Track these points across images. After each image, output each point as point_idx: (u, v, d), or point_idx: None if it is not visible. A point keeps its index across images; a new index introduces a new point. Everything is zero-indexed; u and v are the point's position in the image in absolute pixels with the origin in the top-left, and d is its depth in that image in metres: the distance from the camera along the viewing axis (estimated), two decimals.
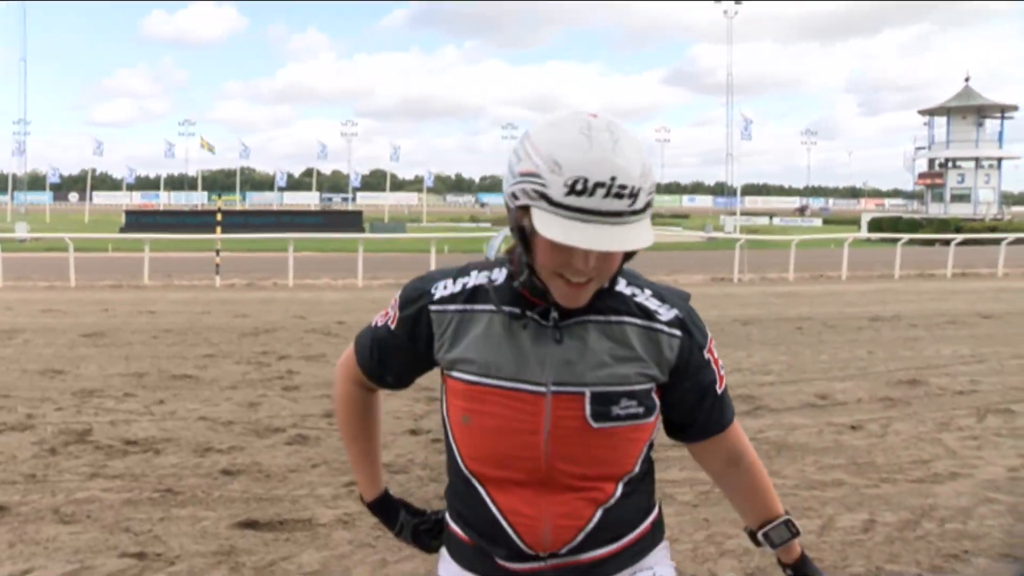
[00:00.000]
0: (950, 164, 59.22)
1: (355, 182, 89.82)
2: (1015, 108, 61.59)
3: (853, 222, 58.97)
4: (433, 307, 1.72)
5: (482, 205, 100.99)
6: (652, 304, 1.69)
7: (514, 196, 1.54)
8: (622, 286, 1.69)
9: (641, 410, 1.65)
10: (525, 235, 1.55)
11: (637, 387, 1.65)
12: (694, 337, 1.70)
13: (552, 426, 1.62)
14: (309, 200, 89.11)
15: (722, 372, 1.77)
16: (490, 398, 1.65)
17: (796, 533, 1.84)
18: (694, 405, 1.74)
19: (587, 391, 1.62)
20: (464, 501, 1.76)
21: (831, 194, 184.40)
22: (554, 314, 1.63)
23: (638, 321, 1.66)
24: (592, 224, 1.46)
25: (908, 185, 65.31)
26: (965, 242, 25.69)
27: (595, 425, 1.62)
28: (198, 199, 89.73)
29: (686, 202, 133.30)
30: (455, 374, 1.69)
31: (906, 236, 26.31)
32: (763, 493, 1.85)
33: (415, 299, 1.75)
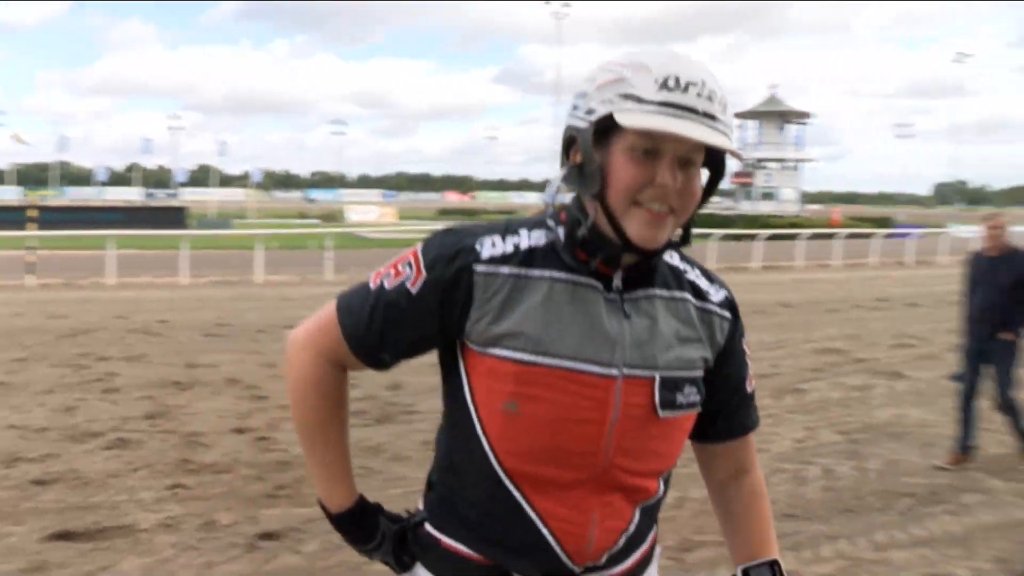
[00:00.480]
0: (758, 164, 62.86)
1: (180, 177, 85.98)
2: (811, 115, 66.41)
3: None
4: (480, 268, 1.39)
5: (311, 201, 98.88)
6: (703, 283, 1.53)
7: (589, 111, 1.35)
8: (676, 260, 1.53)
9: (699, 398, 1.48)
10: (592, 171, 1.35)
11: (696, 372, 1.47)
12: (739, 322, 1.56)
13: (620, 415, 1.39)
14: (132, 196, 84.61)
15: (751, 373, 1.62)
16: (548, 381, 1.37)
17: None
18: (727, 398, 1.56)
19: (656, 376, 1.41)
20: (484, 509, 1.45)
21: None
22: (617, 283, 1.42)
23: (693, 300, 1.50)
24: (686, 120, 1.29)
25: (724, 184, 68.80)
26: (772, 237, 27.34)
27: (662, 415, 1.42)
28: (14, 194, 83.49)
29: (514, 199, 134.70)
30: (498, 352, 1.38)
31: (720, 232, 27.66)
32: (759, 522, 1.63)
33: (452, 256, 1.40)
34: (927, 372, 9.82)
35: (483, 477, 1.43)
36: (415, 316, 1.42)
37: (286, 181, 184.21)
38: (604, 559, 1.46)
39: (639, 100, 1.30)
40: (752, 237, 26.83)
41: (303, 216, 53.98)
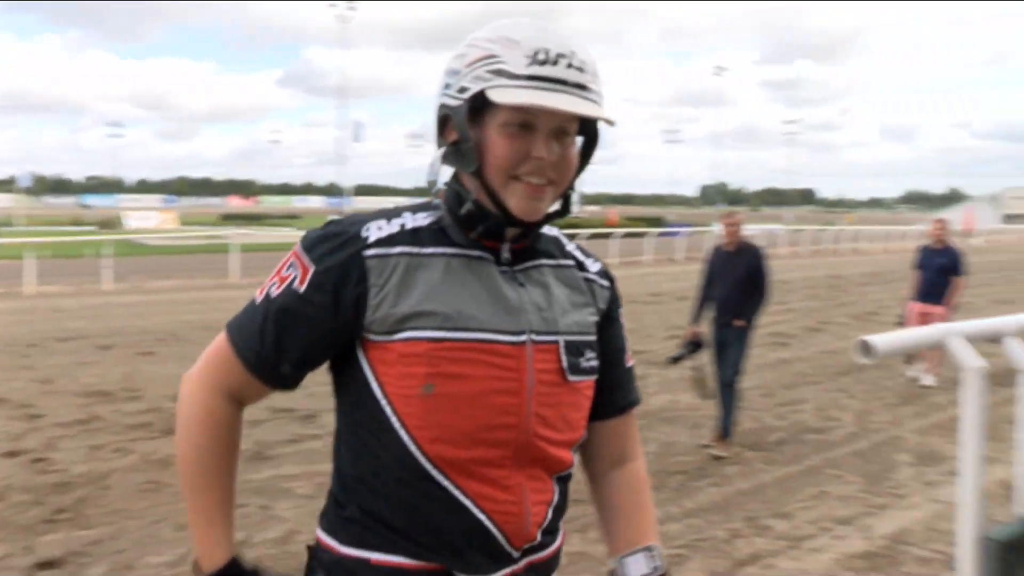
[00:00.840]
0: None
1: None
2: None
3: None
4: (370, 252, 1.34)
5: (86, 207, 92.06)
6: (580, 255, 1.55)
7: (462, 90, 1.34)
8: (554, 231, 1.54)
9: (596, 364, 1.48)
10: (468, 149, 1.33)
11: (591, 336, 1.48)
12: (616, 293, 1.58)
13: (535, 382, 1.37)
14: None
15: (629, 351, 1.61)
16: (463, 356, 1.32)
17: (657, 568, 1.52)
18: (611, 369, 1.53)
19: (560, 340, 1.41)
20: (413, 509, 1.36)
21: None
22: (506, 255, 1.42)
23: (575, 267, 1.52)
24: (558, 92, 1.30)
25: None
26: None
27: (571, 379, 1.42)
28: None
29: (297, 203, 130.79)
30: (406, 334, 1.32)
31: None
32: (641, 512, 1.56)
33: (339, 246, 1.35)
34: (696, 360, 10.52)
35: (407, 474, 1.34)
36: (310, 315, 1.34)
37: (59, 186, 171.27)
38: (539, 537, 1.42)
39: (511, 76, 1.29)
40: None
41: (78, 223, 50.18)
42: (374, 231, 1.36)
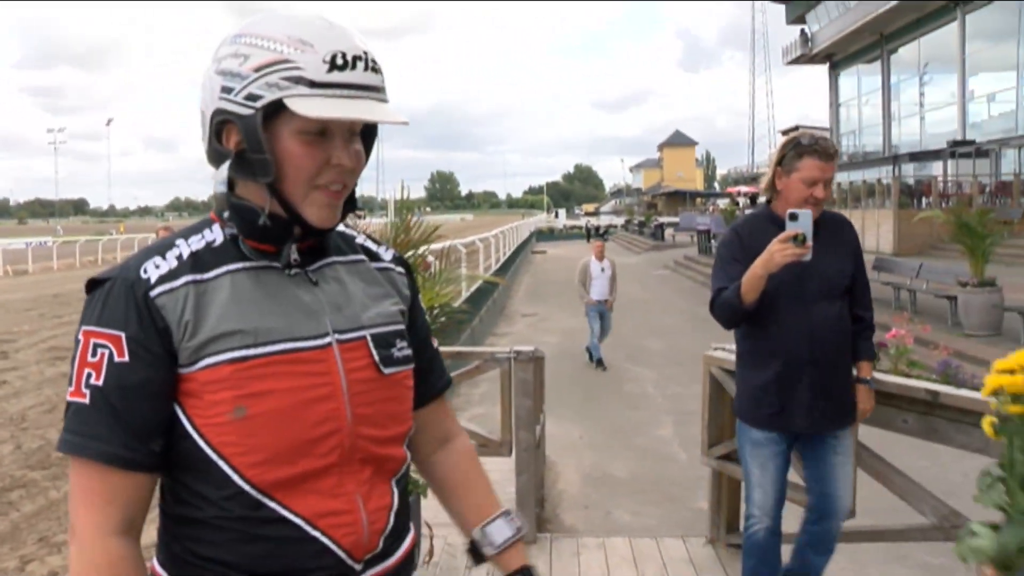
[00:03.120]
0: None
1: None
2: None
3: None
4: (155, 292, 1.17)
5: None
6: (371, 246, 1.42)
7: (251, 97, 1.16)
8: (341, 227, 1.38)
9: (410, 352, 1.36)
10: (262, 160, 1.17)
11: (400, 326, 1.35)
12: (412, 276, 1.48)
13: (347, 376, 1.24)
14: None
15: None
16: (270, 371, 1.17)
17: (520, 529, 1.45)
18: (423, 352, 1.43)
19: (367, 334, 1.29)
20: (245, 540, 1.18)
21: None
22: (295, 256, 1.26)
23: (367, 259, 1.39)
24: (357, 100, 1.18)
25: None
26: None
27: (386, 371, 1.29)
28: None
29: None
30: (208, 360, 1.16)
31: None
32: (480, 480, 1.50)
33: (125, 301, 1.17)
34: None
35: (233, 505, 1.17)
36: (149, 378, 1.16)
37: None
38: (380, 545, 1.28)
39: (310, 84, 1.15)
40: None
41: None
42: (152, 270, 1.19)
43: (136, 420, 1.15)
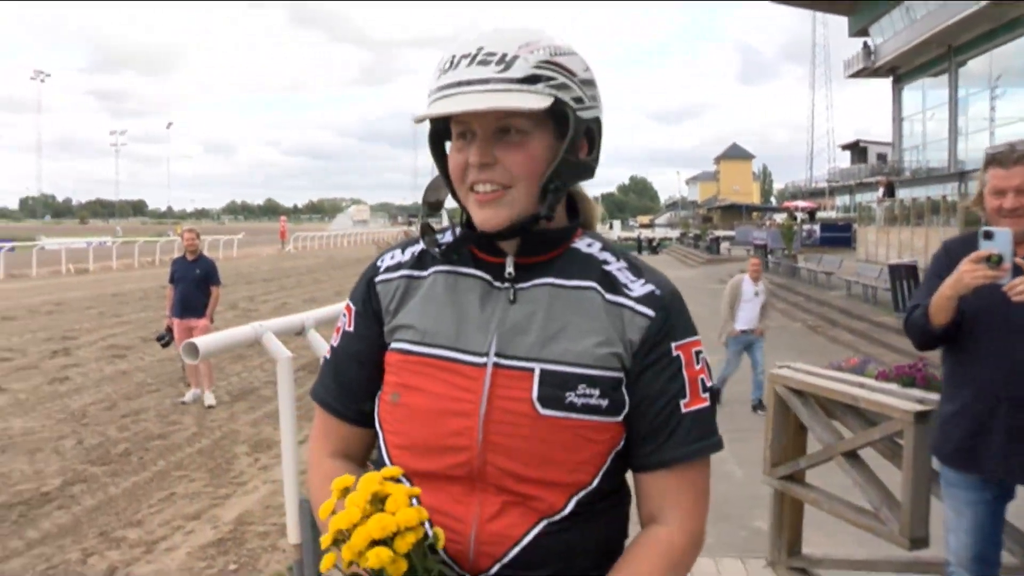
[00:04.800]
0: None
1: None
2: None
3: None
4: (379, 279, 1.35)
5: None
6: (624, 276, 1.29)
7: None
8: (595, 249, 1.31)
9: (604, 403, 1.22)
10: (440, 170, 1.30)
11: (599, 371, 1.22)
12: (669, 323, 1.27)
13: (490, 407, 1.21)
14: None
15: (703, 393, 1.27)
16: (425, 371, 1.25)
17: None
18: (648, 417, 1.25)
19: (537, 368, 1.21)
20: None
21: None
22: (509, 269, 1.27)
23: (602, 291, 1.26)
24: (456, 96, 1.19)
25: None
26: None
27: (543, 412, 1.20)
28: None
29: None
30: (392, 345, 1.30)
31: None
32: (629, 565, 1.25)
33: (363, 282, 1.37)
34: (26, 383, 9.66)
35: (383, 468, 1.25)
36: (358, 350, 1.35)
37: None
38: (495, 569, 1.22)
39: (429, 93, 1.24)
40: None
41: None
42: (386, 260, 1.37)
43: (347, 380, 1.36)
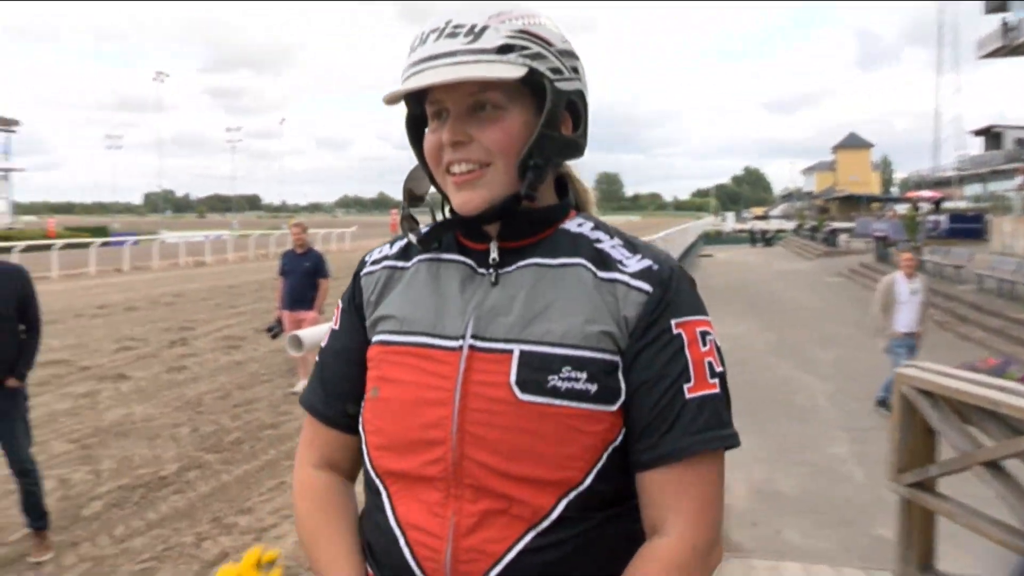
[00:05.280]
0: None
1: None
2: (17, 122, 61.37)
3: None
4: (363, 272, 1.32)
5: None
6: (617, 253, 1.19)
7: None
8: (585, 228, 1.23)
9: (592, 387, 1.09)
10: (417, 155, 1.26)
11: (587, 352, 1.10)
12: (669, 298, 1.14)
13: (465, 394, 1.11)
14: None
15: (711, 378, 1.13)
16: (402, 360, 1.18)
17: None
18: (641, 400, 1.12)
19: (516, 349, 1.11)
20: (369, 520, 1.22)
21: None
22: (493, 255, 1.20)
23: (593, 268, 1.17)
24: (425, 72, 1.13)
25: None
26: None
27: (522, 396, 1.09)
28: None
29: None
30: (374, 338, 1.24)
31: None
32: None
33: (351, 279, 1.33)
34: (147, 371, 10.12)
35: (368, 482, 1.22)
36: (343, 348, 1.29)
37: None
38: None
39: (402, 73, 1.19)
40: None
41: None
42: (373, 254, 1.34)
43: (332, 381, 1.29)
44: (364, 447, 1.22)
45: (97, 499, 5.68)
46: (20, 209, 73.50)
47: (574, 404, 1.09)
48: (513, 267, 1.19)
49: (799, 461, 7.23)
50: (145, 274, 25.68)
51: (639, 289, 1.14)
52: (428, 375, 1.14)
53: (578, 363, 1.10)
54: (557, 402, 1.09)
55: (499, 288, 1.18)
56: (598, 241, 1.21)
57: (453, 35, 1.13)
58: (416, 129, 1.26)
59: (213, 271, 26.97)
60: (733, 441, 1.14)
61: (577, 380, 1.09)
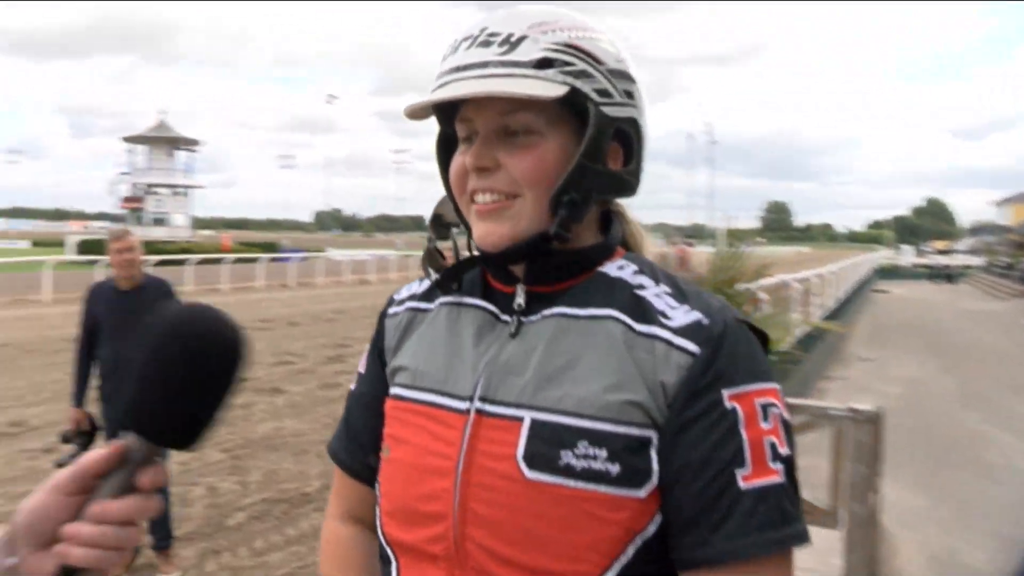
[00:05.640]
0: (149, 190, 60.71)
1: None
2: (199, 142, 66.32)
3: (61, 244, 56.19)
4: (389, 312, 1.20)
5: None
6: (661, 303, 1.00)
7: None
8: (626, 272, 1.05)
9: (613, 468, 0.93)
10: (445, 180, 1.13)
11: (609, 425, 0.94)
12: (721, 361, 0.95)
13: (468, 466, 0.98)
14: None
15: (773, 464, 0.92)
16: (411, 419, 1.07)
17: None
18: (678, 488, 0.94)
19: (526, 416, 0.96)
20: None
21: (37, 216, 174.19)
22: (519, 300, 1.05)
23: (628, 320, 0.99)
24: (453, 83, 1.00)
25: (114, 208, 64.93)
26: (161, 263, 26.57)
27: (529, 474, 0.94)
28: None
29: None
30: (390, 391, 1.14)
31: (103, 258, 25.94)
32: None
33: (377, 319, 1.23)
34: (302, 386, 10.43)
35: (380, 546, 1.11)
36: (365, 394, 1.20)
37: None
38: None
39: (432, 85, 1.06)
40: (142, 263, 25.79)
41: None
42: (402, 291, 1.22)
43: (355, 430, 1.20)
44: (377, 509, 1.11)
45: (241, 510, 5.83)
46: (199, 224, 79.26)
47: (590, 487, 0.93)
48: (538, 316, 1.04)
49: (989, 530, 6.51)
50: (310, 290, 26.93)
51: (682, 349, 0.96)
52: (434, 439, 1.02)
53: (597, 438, 0.94)
54: (570, 483, 0.93)
55: (518, 341, 1.03)
56: (640, 288, 1.03)
57: (486, 44, 1.00)
58: (448, 150, 1.11)
59: (376, 289, 27.94)
60: (799, 541, 0.93)
61: (595, 458, 0.93)
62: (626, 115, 1.04)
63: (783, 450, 0.94)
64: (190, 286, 24.74)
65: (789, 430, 0.96)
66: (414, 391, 1.07)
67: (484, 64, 0.99)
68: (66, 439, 4.68)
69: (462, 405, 1.01)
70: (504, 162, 1.01)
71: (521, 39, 0.99)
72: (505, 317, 1.06)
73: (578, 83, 0.99)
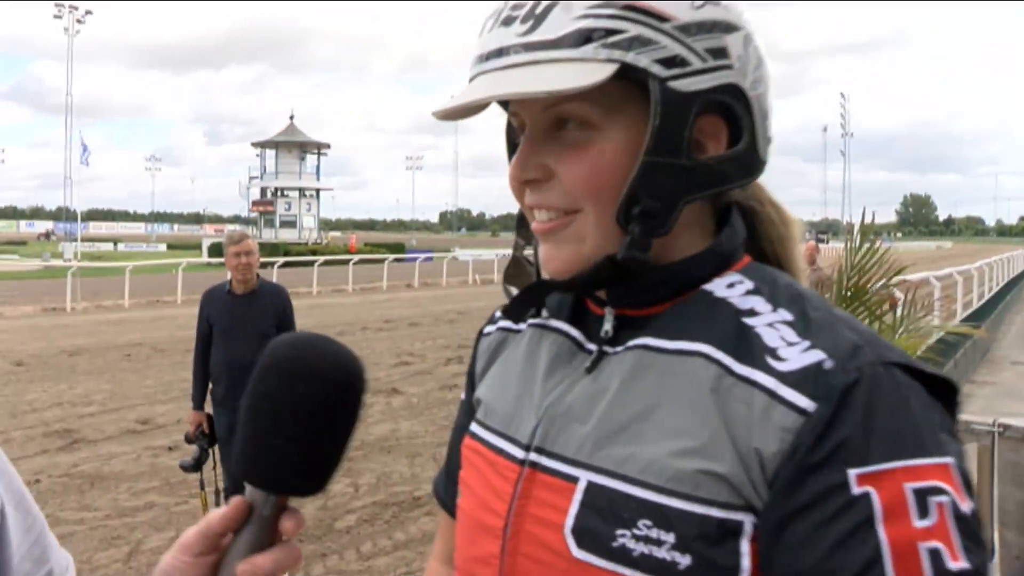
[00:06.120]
0: (279, 193, 63.24)
1: None
2: (328, 146, 68.52)
3: (197, 247, 59.26)
4: (484, 331, 1.07)
5: None
6: (774, 336, 0.77)
7: None
8: (736, 292, 0.83)
9: (683, 559, 0.72)
10: None
11: (679, 502, 0.73)
12: (844, 427, 0.69)
13: (516, 531, 0.82)
14: None
15: (954, 566, 0.64)
16: (477, 463, 0.92)
17: None
18: None
19: (583, 477, 0.79)
20: None
21: (176, 220, 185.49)
22: (606, 327, 0.86)
23: (726, 359, 0.77)
24: (475, 79, 0.83)
25: (245, 212, 68.13)
26: (286, 264, 27.55)
27: (577, 553, 0.76)
28: None
29: (24, 227, 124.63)
30: (469, 426, 0.99)
31: None
32: None
33: (475, 338, 1.09)
34: (420, 387, 10.54)
35: None
36: (462, 420, 1.04)
37: None
38: None
39: None
40: (270, 265, 26.94)
41: None
42: (501, 310, 1.04)
43: (453, 465, 1.02)
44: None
45: (351, 512, 5.89)
46: (328, 225, 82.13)
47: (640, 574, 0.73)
48: (623, 347, 0.84)
49: None
50: (434, 290, 27.37)
51: (789, 404, 0.71)
52: (490, 491, 0.87)
53: (663, 517, 0.73)
54: (624, 571, 0.73)
55: (591, 378, 0.84)
56: (749, 313, 0.80)
57: (508, 22, 0.80)
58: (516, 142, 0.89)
59: (500, 289, 28.04)
60: None
61: (658, 543, 0.72)
62: (717, 83, 0.79)
63: (955, 564, 0.64)
64: (316, 287, 25.65)
65: (973, 529, 0.67)
66: (483, 429, 0.93)
67: (502, 51, 0.79)
68: (189, 440, 4.92)
69: (519, 454, 0.85)
70: (556, 169, 0.81)
71: (548, 9, 0.77)
72: (590, 345, 0.88)
73: (630, 56, 0.76)
